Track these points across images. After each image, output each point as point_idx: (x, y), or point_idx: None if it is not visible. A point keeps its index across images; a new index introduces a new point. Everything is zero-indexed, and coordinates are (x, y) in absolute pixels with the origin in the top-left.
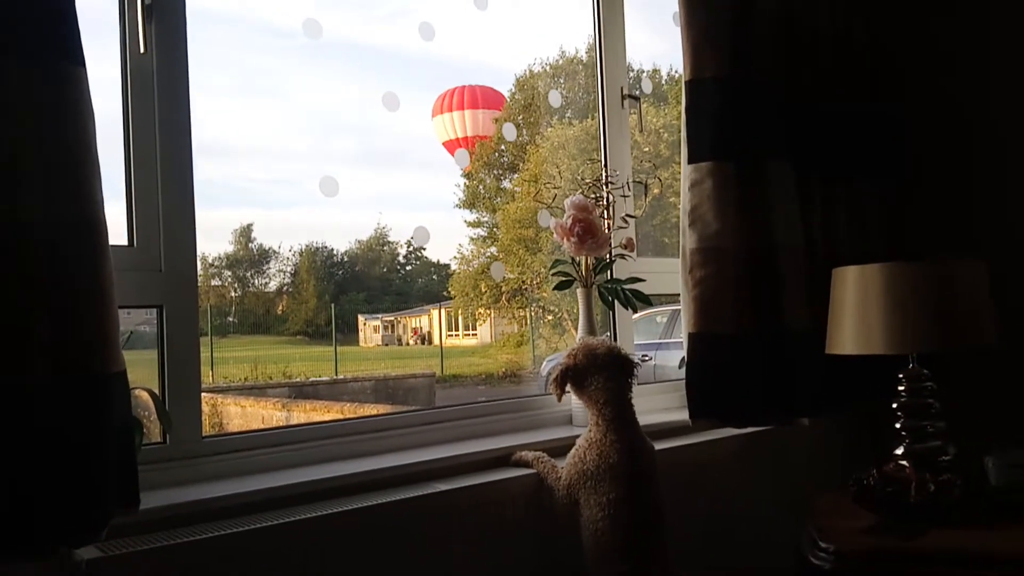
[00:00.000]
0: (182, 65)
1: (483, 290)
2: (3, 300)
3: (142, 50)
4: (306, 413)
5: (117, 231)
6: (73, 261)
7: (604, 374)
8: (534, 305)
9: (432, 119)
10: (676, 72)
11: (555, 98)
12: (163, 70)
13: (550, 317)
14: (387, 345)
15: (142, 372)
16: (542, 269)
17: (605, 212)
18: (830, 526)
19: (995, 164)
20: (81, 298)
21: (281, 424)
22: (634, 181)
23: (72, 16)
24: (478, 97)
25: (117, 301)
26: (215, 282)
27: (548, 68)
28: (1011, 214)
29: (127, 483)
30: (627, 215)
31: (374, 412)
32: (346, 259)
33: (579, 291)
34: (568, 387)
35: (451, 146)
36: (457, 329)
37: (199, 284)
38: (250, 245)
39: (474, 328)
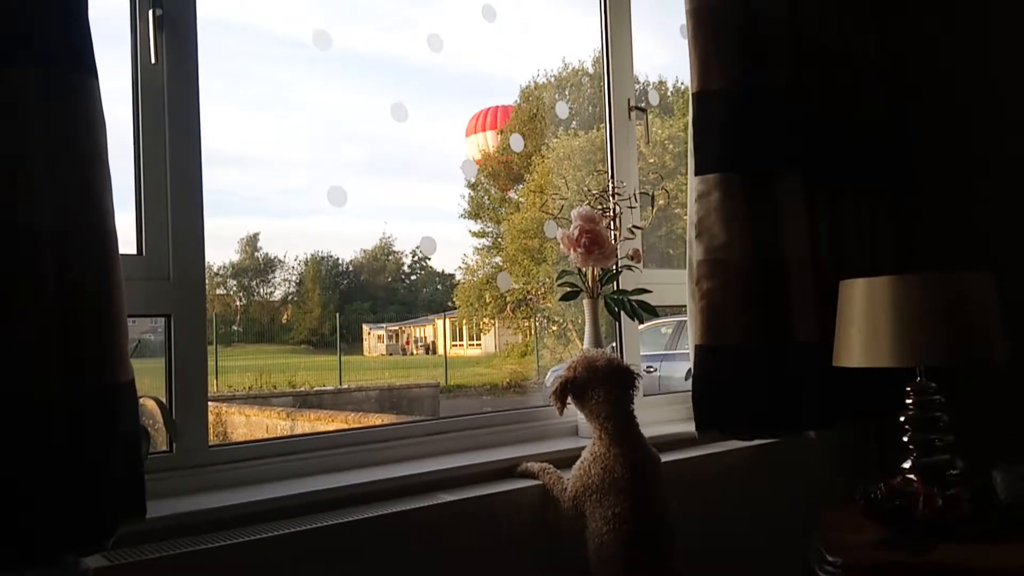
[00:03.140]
0: (192, 75)
1: (488, 300)
2: (12, 308)
3: (153, 60)
4: (310, 422)
5: (126, 240)
6: (82, 269)
7: (605, 387)
8: (539, 315)
9: (467, 138)
10: (682, 84)
11: (562, 109)
12: (174, 80)
13: (554, 327)
14: (391, 355)
15: (147, 380)
16: (547, 279)
17: (612, 223)
18: (838, 539)
19: (1005, 177)
20: (91, 307)
21: (285, 433)
22: (640, 192)
23: (85, 26)
24: (511, 116)
25: (126, 310)
26: (220, 291)
27: (553, 79)
28: (1021, 227)
29: (134, 492)
30: (634, 226)
31: (378, 422)
32: (351, 268)
33: (585, 302)
34: (570, 400)
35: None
36: (461, 339)
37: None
38: (256, 254)
39: (478, 338)
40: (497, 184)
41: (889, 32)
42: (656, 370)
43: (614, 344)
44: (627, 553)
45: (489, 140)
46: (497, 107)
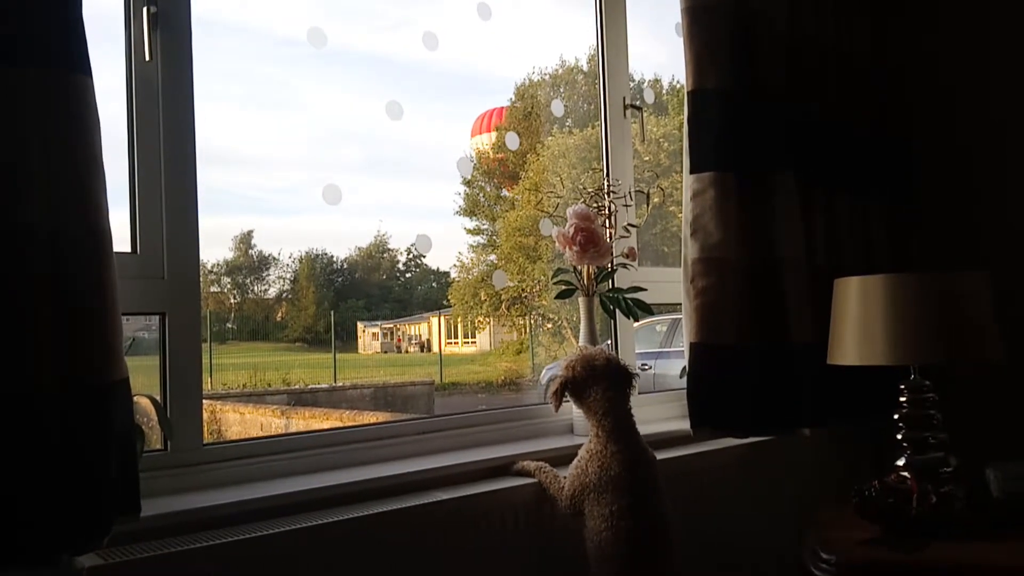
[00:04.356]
0: (187, 73)
1: (483, 298)
2: (6, 307)
3: (147, 58)
4: (305, 420)
5: (121, 238)
6: (77, 268)
7: (603, 385)
8: (534, 313)
9: (471, 139)
10: (677, 82)
11: (558, 107)
12: (168, 78)
13: (549, 325)
14: (386, 352)
15: (141, 378)
16: (542, 277)
17: (607, 221)
18: (832, 537)
19: (1000, 178)
20: (85, 305)
21: (280, 431)
22: (635, 190)
23: (80, 26)
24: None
25: (120, 308)
26: (214, 288)
27: (548, 77)
28: (1016, 228)
29: (128, 490)
30: (629, 224)
31: (373, 420)
32: (346, 266)
33: (581, 300)
34: (568, 397)
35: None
36: (456, 337)
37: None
38: (250, 252)
39: (473, 336)
40: (494, 181)
41: (888, 32)
42: (651, 368)
43: (609, 342)
44: (626, 551)
45: (493, 141)
46: (502, 108)
